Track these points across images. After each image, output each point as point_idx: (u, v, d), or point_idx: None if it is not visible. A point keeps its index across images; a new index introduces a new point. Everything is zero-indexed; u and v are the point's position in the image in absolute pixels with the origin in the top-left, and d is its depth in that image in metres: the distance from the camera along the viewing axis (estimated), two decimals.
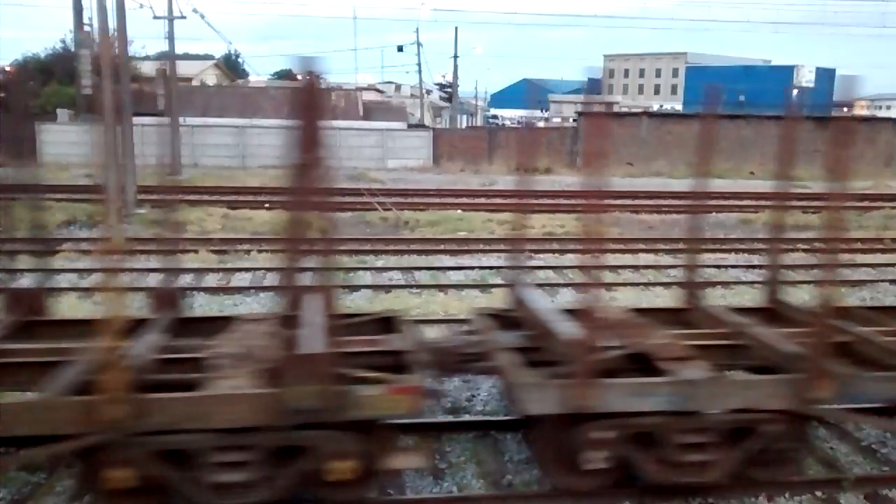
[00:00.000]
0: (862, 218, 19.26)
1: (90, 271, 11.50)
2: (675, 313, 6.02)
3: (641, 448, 4.53)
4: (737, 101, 55.13)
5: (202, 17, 30.40)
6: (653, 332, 5.03)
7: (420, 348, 4.92)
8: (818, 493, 4.99)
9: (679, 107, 67.15)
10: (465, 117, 62.92)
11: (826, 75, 74.71)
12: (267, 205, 18.83)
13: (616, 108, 52.72)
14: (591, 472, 4.51)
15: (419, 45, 49.56)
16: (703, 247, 14.25)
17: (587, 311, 4.33)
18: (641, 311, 5.95)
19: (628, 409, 4.38)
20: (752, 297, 9.88)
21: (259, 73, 61.55)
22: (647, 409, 4.41)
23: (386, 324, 5.55)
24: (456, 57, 49.74)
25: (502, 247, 14.13)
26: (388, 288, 10.81)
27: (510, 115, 69.94)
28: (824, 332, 4.45)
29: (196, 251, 13.01)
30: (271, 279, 11.29)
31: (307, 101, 4.15)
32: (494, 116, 71.04)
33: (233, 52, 64.29)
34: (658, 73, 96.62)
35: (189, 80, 46.05)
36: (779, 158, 6.06)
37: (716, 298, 10.49)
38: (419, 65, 52.97)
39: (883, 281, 11.73)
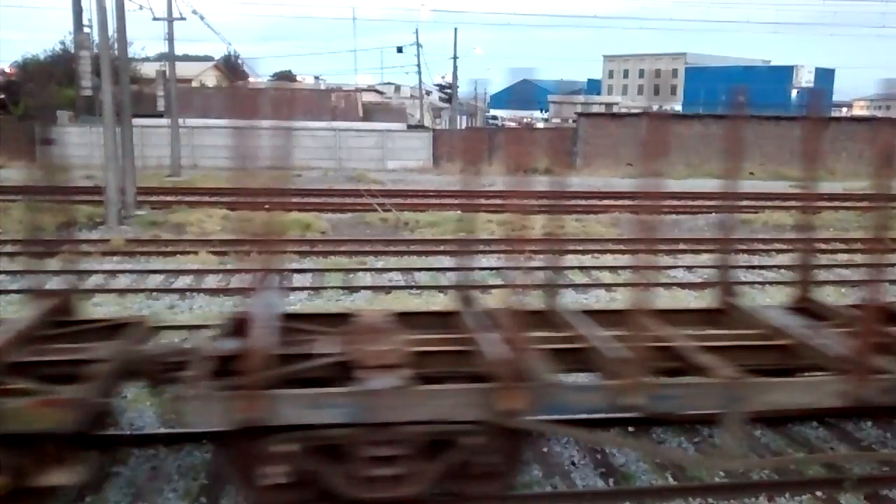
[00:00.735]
0: (862, 218, 19.25)
1: (90, 273, 11.50)
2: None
3: (331, 462, 4.26)
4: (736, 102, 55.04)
5: (202, 18, 30.36)
6: (388, 338, 4.59)
7: (118, 356, 4.59)
8: (818, 494, 4.99)
9: (679, 107, 67.18)
10: (464, 118, 62.92)
11: (825, 75, 74.74)
12: (267, 206, 18.79)
13: (615, 109, 52.74)
14: (272, 488, 4.19)
15: (419, 46, 49.59)
16: (703, 248, 14.25)
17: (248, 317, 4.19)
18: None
19: (304, 421, 4.08)
20: (751, 298, 9.88)
21: (259, 74, 61.51)
22: (326, 421, 4.11)
23: (129, 328, 5.22)
24: (455, 58, 49.76)
25: (503, 248, 14.13)
26: (387, 289, 10.81)
27: (510, 116, 69.96)
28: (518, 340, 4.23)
29: (196, 252, 13.02)
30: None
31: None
32: (494, 117, 71.05)
33: (232, 53, 64.32)
34: (658, 74, 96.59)
35: (189, 81, 46.07)
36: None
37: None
38: (419, 66, 52.90)
39: (883, 282, 11.70)
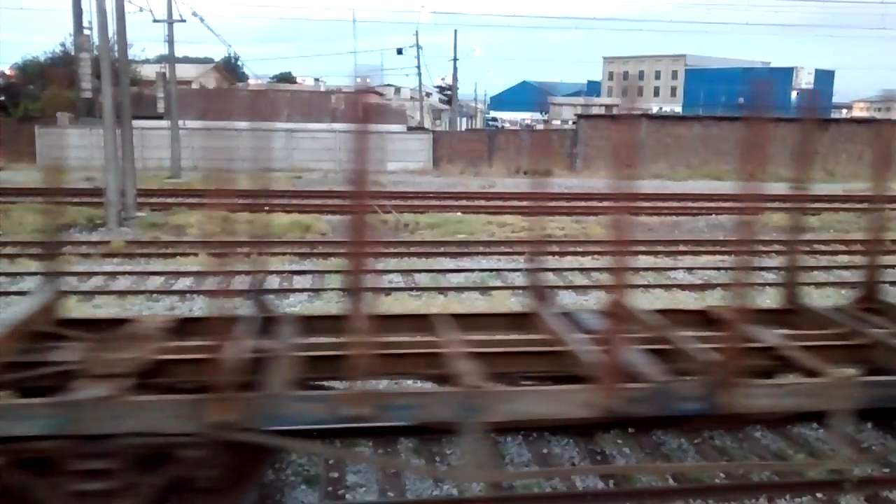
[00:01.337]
0: (862, 219, 19.26)
1: (90, 274, 11.50)
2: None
3: (40, 476, 3.98)
4: (736, 104, 55.17)
5: (202, 20, 30.41)
6: (138, 346, 4.43)
7: None
8: (819, 495, 4.99)
9: (678, 109, 67.23)
10: (464, 120, 62.97)
11: (825, 77, 74.80)
12: (267, 207, 18.80)
13: (615, 111, 52.75)
14: None
15: (418, 47, 49.67)
16: (703, 249, 14.22)
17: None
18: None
19: (5, 433, 3.83)
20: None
21: (259, 76, 61.58)
22: (28, 433, 3.85)
23: None
24: (455, 59, 49.84)
25: (503, 249, 14.15)
26: (387, 290, 10.81)
27: (510, 118, 70.00)
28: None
29: (196, 254, 13.02)
30: (270, 282, 11.30)
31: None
32: (494, 119, 71.14)
33: (232, 55, 64.41)
34: (657, 76, 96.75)
35: (189, 83, 46.08)
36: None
37: (715, 300, 10.50)
38: (418, 67, 52.95)
39: (883, 283, 11.71)
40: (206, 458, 4.04)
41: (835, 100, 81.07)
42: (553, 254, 13.84)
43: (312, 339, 4.98)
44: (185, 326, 5.09)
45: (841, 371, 4.45)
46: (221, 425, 3.94)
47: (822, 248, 14.77)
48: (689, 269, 12.68)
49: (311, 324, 5.27)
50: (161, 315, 4.91)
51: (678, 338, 4.80)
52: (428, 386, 4.95)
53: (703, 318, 5.62)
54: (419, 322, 5.37)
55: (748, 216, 4.42)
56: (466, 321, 5.38)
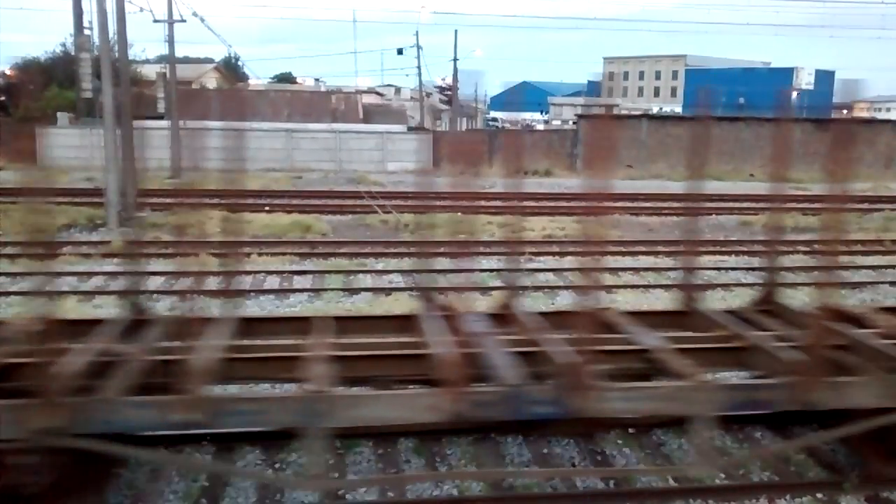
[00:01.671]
0: (862, 220, 19.27)
1: (90, 274, 11.50)
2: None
3: None
4: (736, 104, 55.20)
5: (202, 20, 30.49)
6: None
7: None
8: (819, 495, 4.99)
9: (679, 109, 67.21)
10: (464, 120, 62.96)
11: (825, 77, 74.78)
12: (267, 208, 18.83)
13: (616, 111, 52.74)
14: None
15: (419, 48, 49.64)
16: (703, 249, 14.22)
17: None
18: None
19: None
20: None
21: (259, 76, 61.62)
22: None
23: None
24: (456, 60, 49.83)
25: (503, 249, 14.14)
26: (388, 291, 10.81)
27: (509, 118, 69.95)
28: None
29: (196, 254, 13.00)
30: (271, 282, 11.31)
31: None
32: (494, 119, 71.10)
33: (233, 55, 64.44)
34: (658, 76, 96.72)
35: (189, 83, 46.09)
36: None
37: (716, 300, 10.51)
38: (419, 68, 53.01)
39: (883, 283, 11.73)
40: (36, 465, 3.90)
41: (835, 100, 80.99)
42: (553, 254, 13.85)
43: (178, 343, 4.80)
44: (64, 328, 5.11)
45: (702, 375, 4.36)
46: (47, 431, 3.80)
47: (822, 248, 14.75)
48: (690, 270, 12.66)
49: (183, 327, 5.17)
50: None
51: (547, 340, 4.70)
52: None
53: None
54: (298, 325, 5.33)
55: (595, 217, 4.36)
56: (347, 324, 5.38)
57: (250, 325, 5.45)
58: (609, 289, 11.12)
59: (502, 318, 5.40)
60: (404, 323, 5.43)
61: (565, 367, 4.20)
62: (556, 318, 5.39)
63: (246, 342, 5.00)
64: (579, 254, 13.24)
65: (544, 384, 4.27)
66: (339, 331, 5.16)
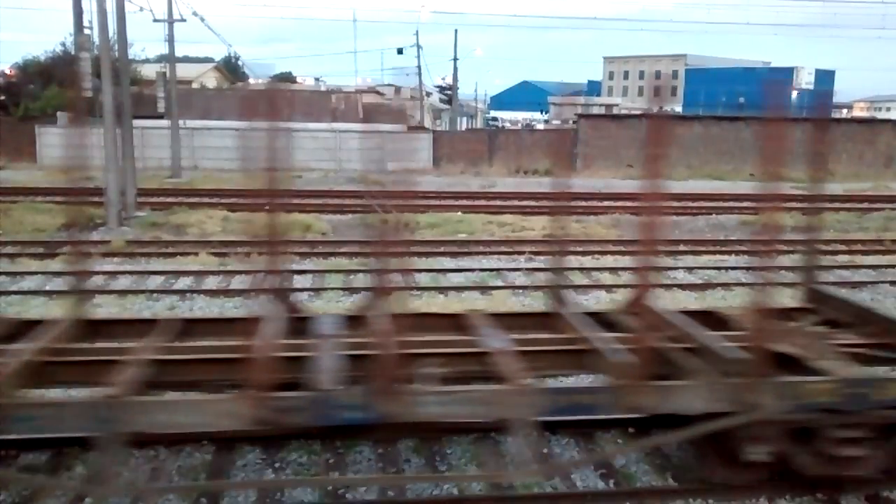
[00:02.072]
0: (862, 219, 19.28)
1: (90, 273, 11.49)
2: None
3: None
4: (736, 103, 55.17)
5: (202, 19, 30.31)
6: None
7: None
8: (819, 495, 4.99)
9: (679, 109, 67.20)
10: (464, 119, 62.96)
11: (825, 77, 74.74)
12: (267, 207, 18.81)
13: (616, 111, 52.74)
14: None
15: (419, 47, 49.65)
16: (703, 248, 14.21)
17: None
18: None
19: None
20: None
21: (259, 75, 61.58)
22: None
23: None
24: (456, 59, 49.80)
25: (503, 249, 14.15)
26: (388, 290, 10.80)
27: (510, 118, 69.99)
28: None
29: (196, 254, 13.02)
30: (272, 281, 11.29)
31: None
32: (494, 118, 71.11)
33: (233, 54, 64.40)
34: (658, 75, 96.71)
35: (189, 82, 46.07)
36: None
37: (716, 300, 10.51)
38: (419, 67, 52.93)
39: (883, 282, 11.74)
40: None
41: (835, 99, 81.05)
42: (553, 253, 13.84)
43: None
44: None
45: (524, 379, 4.27)
46: None
47: (823, 247, 14.76)
48: (690, 269, 12.68)
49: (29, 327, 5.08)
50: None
51: (372, 343, 4.60)
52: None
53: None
54: (145, 326, 5.26)
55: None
56: (196, 326, 5.34)
57: (94, 328, 5.33)
58: (609, 288, 11.12)
59: (357, 320, 5.23)
60: (248, 326, 5.39)
61: (375, 370, 4.09)
62: (415, 320, 5.32)
63: (65, 346, 4.86)
64: (596, 252, 13.14)
65: (354, 388, 4.15)
66: (183, 333, 5.12)
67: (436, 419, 4.37)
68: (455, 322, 5.52)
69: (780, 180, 4.53)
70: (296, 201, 19.64)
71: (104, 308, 9.39)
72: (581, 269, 12.40)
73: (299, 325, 5.15)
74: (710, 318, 5.59)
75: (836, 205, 20.68)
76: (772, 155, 4.52)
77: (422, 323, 5.40)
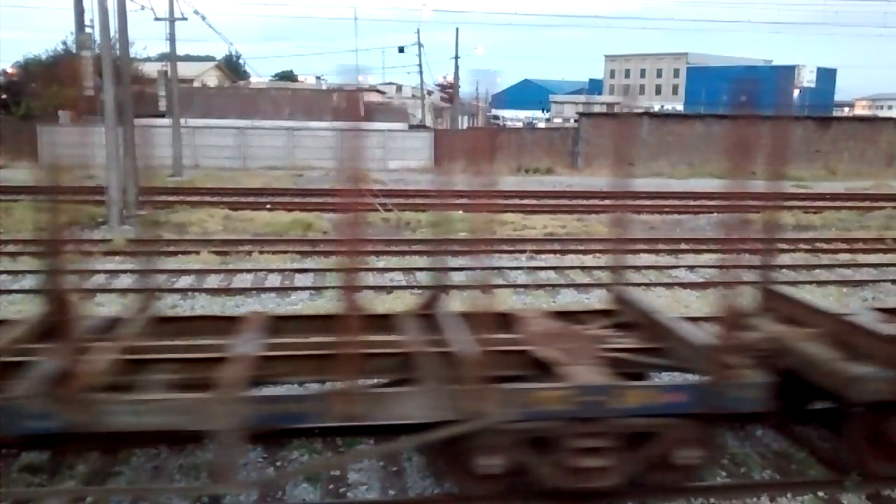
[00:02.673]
0: (863, 218, 19.26)
1: (92, 272, 11.50)
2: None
3: None
4: (737, 103, 54.96)
5: (203, 18, 30.30)
6: None
7: None
8: (820, 494, 4.99)
9: (680, 107, 67.13)
10: (466, 118, 62.91)
11: (827, 75, 74.65)
12: (268, 206, 18.83)
13: (617, 109, 52.69)
14: None
15: (420, 45, 49.60)
16: (704, 247, 14.17)
17: None
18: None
19: None
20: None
21: (260, 74, 61.61)
22: None
23: None
24: (457, 58, 49.73)
25: (504, 247, 14.14)
26: (389, 289, 10.81)
27: (511, 116, 69.96)
28: None
29: (198, 252, 13.02)
30: (273, 280, 11.31)
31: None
32: (496, 117, 71.04)
33: (234, 53, 64.44)
34: (659, 74, 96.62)
35: (190, 81, 46.08)
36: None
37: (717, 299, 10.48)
38: (420, 66, 52.88)
39: (885, 281, 11.72)
40: None
41: (837, 98, 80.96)
42: (554, 252, 13.84)
43: None
44: None
45: (237, 386, 4.12)
46: None
47: (825, 246, 14.76)
48: (691, 268, 12.68)
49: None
50: None
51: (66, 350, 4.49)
52: None
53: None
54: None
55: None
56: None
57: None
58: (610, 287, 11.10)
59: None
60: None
61: (57, 379, 3.94)
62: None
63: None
64: (597, 251, 13.12)
65: (37, 397, 3.95)
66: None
67: (130, 429, 4.12)
68: (230, 325, 5.32)
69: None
70: (297, 200, 19.67)
71: (105, 307, 9.39)
72: (583, 268, 12.40)
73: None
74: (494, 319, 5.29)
75: (838, 203, 20.64)
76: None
77: (191, 327, 5.32)
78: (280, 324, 5.47)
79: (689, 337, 4.97)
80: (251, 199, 20.32)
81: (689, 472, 4.74)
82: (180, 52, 30.43)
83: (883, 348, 4.86)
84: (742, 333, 4.84)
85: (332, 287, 10.80)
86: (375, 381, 5.00)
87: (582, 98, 65.93)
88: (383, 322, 5.50)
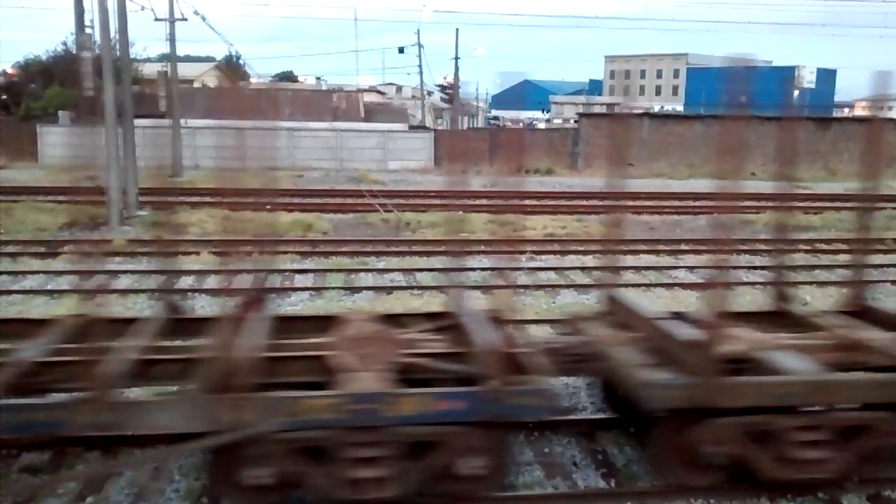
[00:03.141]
0: (864, 218, 19.22)
1: (91, 273, 11.49)
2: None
3: None
4: (737, 103, 54.95)
5: (203, 19, 30.31)
6: None
7: None
8: (820, 494, 4.99)
9: (680, 108, 67.14)
10: (465, 118, 62.91)
11: (827, 76, 74.64)
12: (268, 206, 18.81)
13: (617, 110, 52.70)
14: None
15: (420, 46, 49.62)
16: (704, 248, 14.18)
17: None
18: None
19: None
20: (752, 298, 9.88)
21: (260, 74, 61.57)
22: None
23: None
24: (457, 58, 49.76)
25: (504, 248, 14.12)
26: (389, 289, 10.82)
27: (511, 117, 69.97)
28: None
29: (198, 253, 13.01)
30: (272, 281, 11.30)
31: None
32: (495, 118, 71.07)
33: (234, 53, 64.36)
34: (659, 74, 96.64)
35: (190, 82, 46.08)
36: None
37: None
38: (420, 66, 52.88)
39: (885, 281, 11.73)
40: None
41: (837, 98, 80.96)
42: (554, 252, 13.85)
43: None
44: None
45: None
46: None
47: (824, 246, 14.76)
48: (691, 268, 12.68)
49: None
50: None
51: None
52: None
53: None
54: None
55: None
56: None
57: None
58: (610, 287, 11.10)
59: None
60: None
61: None
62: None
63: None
64: (597, 252, 13.14)
65: None
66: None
67: None
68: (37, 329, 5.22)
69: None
70: (297, 201, 19.67)
71: (106, 307, 9.38)
72: (583, 269, 12.40)
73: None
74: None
75: (838, 204, 20.63)
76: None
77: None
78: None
79: (480, 341, 4.71)
80: (251, 199, 20.26)
81: (478, 482, 4.51)
82: (180, 52, 30.44)
83: (680, 354, 4.75)
84: (562, 338, 4.73)
85: (333, 288, 10.81)
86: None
87: (582, 98, 65.98)
88: (196, 326, 5.33)
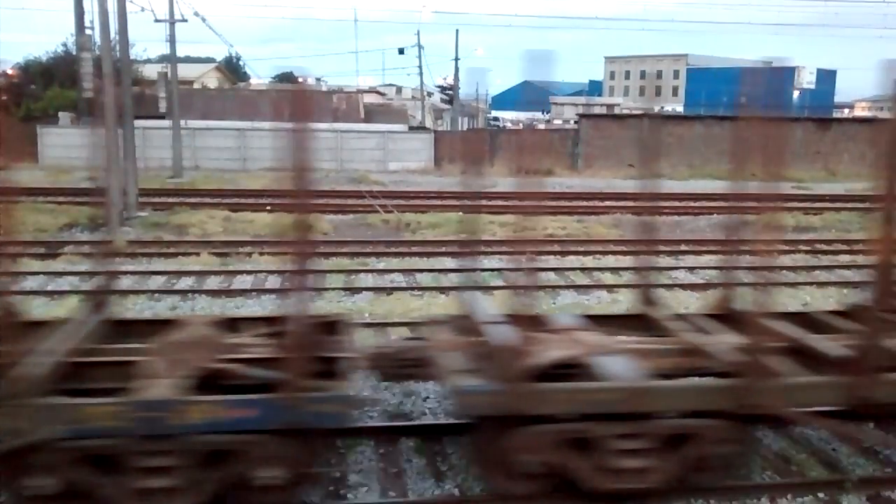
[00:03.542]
0: (864, 219, 19.23)
1: (91, 273, 11.50)
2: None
3: None
4: (737, 103, 55.00)
5: (203, 20, 30.29)
6: None
7: None
8: (820, 495, 4.99)
9: (680, 108, 67.15)
10: (465, 119, 62.93)
11: (827, 76, 74.69)
12: (269, 207, 18.82)
13: (617, 110, 52.73)
14: None
15: (420, 47, 49.63)
16: (704, 248, 14.18)
17: None
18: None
19: None
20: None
21: (260, 75, 61.65)
22: None
23: None
24: (457, 59, 49.78)
25: (504, 249, 14.14)
26: (389, 290, 10.82)
27: (511, 118, 69.98)
28: None
29: (198, 254, 13.02)
30: (273, 282, 11.31)
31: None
32: (496, 118, 71.06)
33: (234, 54, 64.45)
34: (659, 75, 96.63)
35: (190, 83, 46.10)
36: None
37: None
38: (420, 67, 52.89)
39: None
40: None
41: (836, 99, 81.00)
42: (555, 253, 13.85)
43: None
44: None
45: None
46: None
47: (825, 247, 14.76)
48: (691, 269, 12.69)
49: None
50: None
51: None
52: None
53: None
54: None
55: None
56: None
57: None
58: (610, 288, 11.11)
59: None
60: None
61: None
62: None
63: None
64: (597, 252, 13.15)
65: None
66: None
67: None
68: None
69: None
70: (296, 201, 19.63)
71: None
72: (583, 269, 12.40)
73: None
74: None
75: (838, 204, 20.64)
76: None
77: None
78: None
79: (290, 346, 4.45)
80: (251, 200, 20.31)
81: (276, 493, 4.36)
82: (180, 53, 30.43)
83: (490, 359, 4.62)
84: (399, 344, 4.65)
85: (333, 288, 10.81)
86: None
87: (582, 99, 65.98)
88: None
